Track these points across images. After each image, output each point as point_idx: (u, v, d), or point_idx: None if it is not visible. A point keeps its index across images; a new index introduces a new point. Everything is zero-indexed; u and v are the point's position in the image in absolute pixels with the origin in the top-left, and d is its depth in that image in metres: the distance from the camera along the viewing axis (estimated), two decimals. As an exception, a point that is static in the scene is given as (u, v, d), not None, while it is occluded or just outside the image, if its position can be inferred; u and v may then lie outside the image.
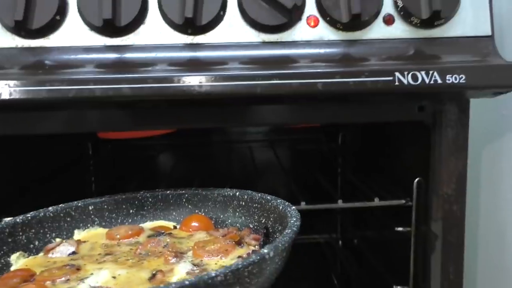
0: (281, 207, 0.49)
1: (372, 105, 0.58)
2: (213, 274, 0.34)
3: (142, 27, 0.51)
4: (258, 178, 0.97)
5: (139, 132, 0.76)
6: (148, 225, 0.57)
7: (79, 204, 0.56)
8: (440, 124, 0.59)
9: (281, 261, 0.41)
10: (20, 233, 0.51)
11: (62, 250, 0.49)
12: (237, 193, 0.56)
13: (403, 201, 0.65)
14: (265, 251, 0.37)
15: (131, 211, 0.59)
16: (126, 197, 0.58)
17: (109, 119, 0.55)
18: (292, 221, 0.44)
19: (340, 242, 1.12)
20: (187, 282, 0.33)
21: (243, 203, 0.55)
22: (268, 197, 0.52)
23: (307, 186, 1.14)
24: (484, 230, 0.70)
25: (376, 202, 0.65)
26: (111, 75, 0.47)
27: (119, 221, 0.58)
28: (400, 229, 0.66)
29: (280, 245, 0.39)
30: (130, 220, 0.58)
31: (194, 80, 0.46)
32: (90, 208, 0.57)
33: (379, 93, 0.48)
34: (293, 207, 0.48)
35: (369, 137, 0.92)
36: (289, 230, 0.42)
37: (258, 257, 0.36)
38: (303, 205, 0.64)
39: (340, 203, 0.64)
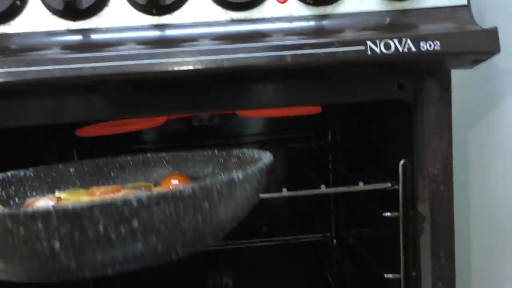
0: (256, 156, 0.50)
1: (349, 84, 0.56)
2: (182, 188, 0.33)
3: (105, 10, 0.49)
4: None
5: (120, 128, 0.74)
6: (129, 185, 0.56)
7: (60, 167, 0.56)
8: (421, 102, 0.57)
9: (252, 190, 0.41)
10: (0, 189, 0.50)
11: (42, 205, 0.47)
12: (216, 151, 0.57)
13: (389, 184, 0.62)
14: (235, 174, 0.38)
15: (112, 174, 0.59)
16: (108, 160, 0.59)
17: (76, 108, 0.53)
18: (265, 157, 0.46)
19: (334, 241, 1.09)
20: (155, 193, 0.33)
21: (222, 160, 0.56)
22: (245, 150, 0.53)
23: (300, 184, 1.13)
24: (475, 211, 0.68)
25: (361, 186, 0.62)
26: (72, 55, 0.45)
27: (100, 183, 0.58)
28: (388, 214, 0.64)
29: (250, 172, 0.39)
30: (111, 182, 0.58)
31: (160, 56, 0.44)
32: (71, 170, 0.57)
33: (352, 64, 0.46)
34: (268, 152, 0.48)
35: (356, 130, 0.90)
36: (261, 162, 0.43)
37: (227, 178, 0.37)
38: (284, 191, 0.61)
39: (323, 188, 0.62)
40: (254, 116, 1.02)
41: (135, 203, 0.32)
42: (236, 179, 0.38)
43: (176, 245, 0.36)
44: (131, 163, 0.59)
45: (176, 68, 0.44)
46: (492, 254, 0.64)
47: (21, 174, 0.53)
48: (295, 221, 1.15)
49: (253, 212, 1.16)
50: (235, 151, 0.55)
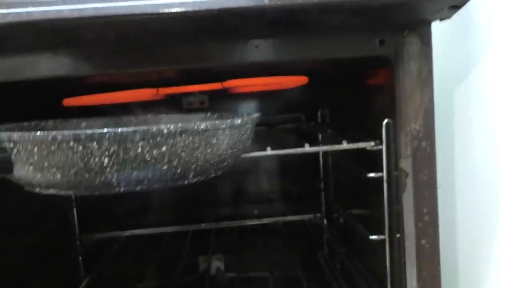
0: (245, 115, 0.54)
1: (331, 39, 0.56)
2: (199, 124, 0.43)
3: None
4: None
5: (107, 97, 0.74)
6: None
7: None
8: (402, 58, 0.57)
9: (246, 135, 0.50)
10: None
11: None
12: (209, 114, 0.67)
13: (372, 143, 0.63)
14: (236, 119, 0.47)
15: None
16: (112, 119, 0.66)
17: (55, 63, 0.54)
18: (253, 115, 0.53)
19: (325, 221, 1.09)
20: (180, 125, 0.42)
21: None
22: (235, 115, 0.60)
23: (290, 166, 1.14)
24: (460, 170, 0.68)
25: (344, 145, 0.63)
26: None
27: None
28: (372, 175, 0.64)
29: (245, 119, 0.49)
30: None
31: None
32: (83, 125, 0.65)
33: (328, 9, 0.46)
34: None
35: (343, 106, 0.91)
36: (252, 115, 0.52)
37: (230, 122, 0.47)
38: (268, 150, 0.61)
39: (307, 147, 0.62)
40: (243, 91, 1.02)
41: (165, 131, 0.41)
42: (236, 123, 0.47)
43: (190, 171, 0.45)
44: (134, 121, 0.67)
45: (159, 11, 0.45)
46: (478, 213, 0.65)
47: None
48: (286, 204, 1.15)
49: (245, 197, 1.16)
50: (226, 114, 0.63)
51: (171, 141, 0.42)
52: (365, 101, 0.74)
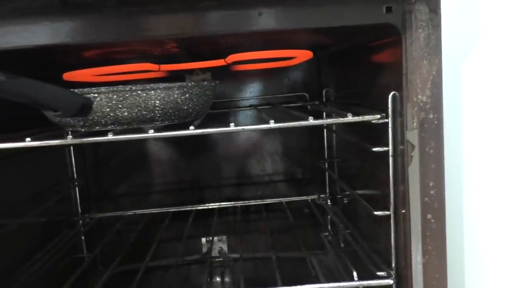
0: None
1: (336, 7, 0.55)
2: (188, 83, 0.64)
3: None
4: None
5: (111, 71, 0.73)
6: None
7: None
8: (410, 26, 0.55)
9: (210, 94, 0.69)
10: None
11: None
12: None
13: (378, 116, 0.61)
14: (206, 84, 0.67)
15: None
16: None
17: (55, 30, 0.52)
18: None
19: (329, 201, 1.08)
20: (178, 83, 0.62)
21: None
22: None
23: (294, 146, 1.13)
24: (468, 144, 0.66)
25: (349, 118, 0.61)
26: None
27: None
28: (377, 149, 0.63)
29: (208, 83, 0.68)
30: None
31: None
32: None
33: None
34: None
35: (348, 82, 0.89)
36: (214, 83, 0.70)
37: (203, 84, 0.67)
38: (271, 123, 0.60)
39: (311, 120, 0.60)
40: (247, 69, 1.01)
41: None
42: (204, 84, 0.67)
43: (173, 115, 0.64)
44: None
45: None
46: (484, 187, 0.63)
47: None
48: (290, 185, 1.14)
49: (248, 178, 1.15)
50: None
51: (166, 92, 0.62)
52: (370, 76, 0.72)
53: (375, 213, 0.64)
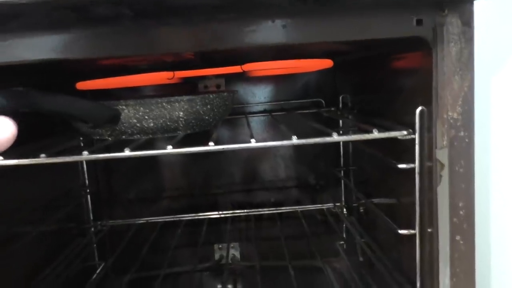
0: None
1: (365, 19, 0.52)
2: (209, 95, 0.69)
3: None
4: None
5: (121, 80, 0.71)
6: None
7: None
8: (441, 39, 0.53)
9: (229, 103, 0.74)
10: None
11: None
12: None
13: (405, 132, 0.59)
14: (224, 94, 0.73)
15: None
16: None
17: (70, 45, 0.50)
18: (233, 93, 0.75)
19: (345, 210, 1.06)
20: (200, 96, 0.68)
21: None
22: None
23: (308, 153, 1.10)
24: (496, 160, 0.63)
25: (375, 134, 0.59)
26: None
27: None
28: (403, 166, 0.60)
29: (225, 94, 0.73)
30: None
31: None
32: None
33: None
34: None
35: (367, 91, 0.86)
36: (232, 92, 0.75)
37: (222, 94, 0.72)
38: (294, 139, 0.58)
39: (336, 136, 0.58)
40: (262, 74, 0.98)
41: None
42: (224, 95, 0.72)
43: (195, 125, 0.68)
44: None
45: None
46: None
47: None
48: (304, 192, 1.12)
49: (261, 184, 1.12)
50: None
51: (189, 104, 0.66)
52: (393, 86, 0.69)
53: (400, 231, 0.62)
